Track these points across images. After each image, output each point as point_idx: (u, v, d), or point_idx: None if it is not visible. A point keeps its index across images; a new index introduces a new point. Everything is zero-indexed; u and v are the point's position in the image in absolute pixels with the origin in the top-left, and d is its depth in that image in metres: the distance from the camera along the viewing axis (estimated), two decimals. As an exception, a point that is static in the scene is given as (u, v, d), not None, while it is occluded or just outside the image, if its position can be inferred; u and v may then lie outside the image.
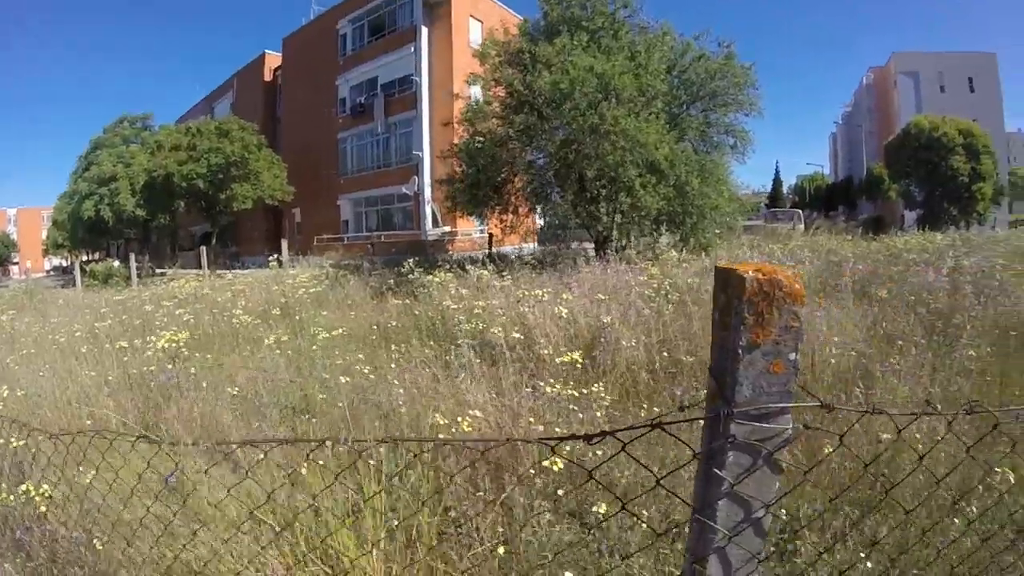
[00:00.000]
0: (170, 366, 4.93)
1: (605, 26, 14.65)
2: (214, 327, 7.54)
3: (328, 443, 1.73)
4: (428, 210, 27.02)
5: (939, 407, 1.40)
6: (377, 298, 9.83)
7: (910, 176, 33.38)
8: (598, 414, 3.47)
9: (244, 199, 29.50)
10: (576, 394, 3.55)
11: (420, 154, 27.33)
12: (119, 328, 7.56)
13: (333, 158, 32.91)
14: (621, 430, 1.26)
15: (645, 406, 3.98)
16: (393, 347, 5.58)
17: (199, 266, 23.57)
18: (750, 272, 1.15)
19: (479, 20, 28.14)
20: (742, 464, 1.19)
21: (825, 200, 54.20)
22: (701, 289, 6.73)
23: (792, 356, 1.18)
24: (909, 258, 9.65)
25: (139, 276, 23.40)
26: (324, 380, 4.46)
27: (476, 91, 16.80)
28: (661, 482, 1.33)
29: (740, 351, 1.15)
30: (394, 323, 7.05)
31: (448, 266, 10.91)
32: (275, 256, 20.77)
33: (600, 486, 2.44)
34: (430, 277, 8.41)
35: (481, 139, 14.75)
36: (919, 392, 3.90)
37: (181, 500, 2.48)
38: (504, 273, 8.78)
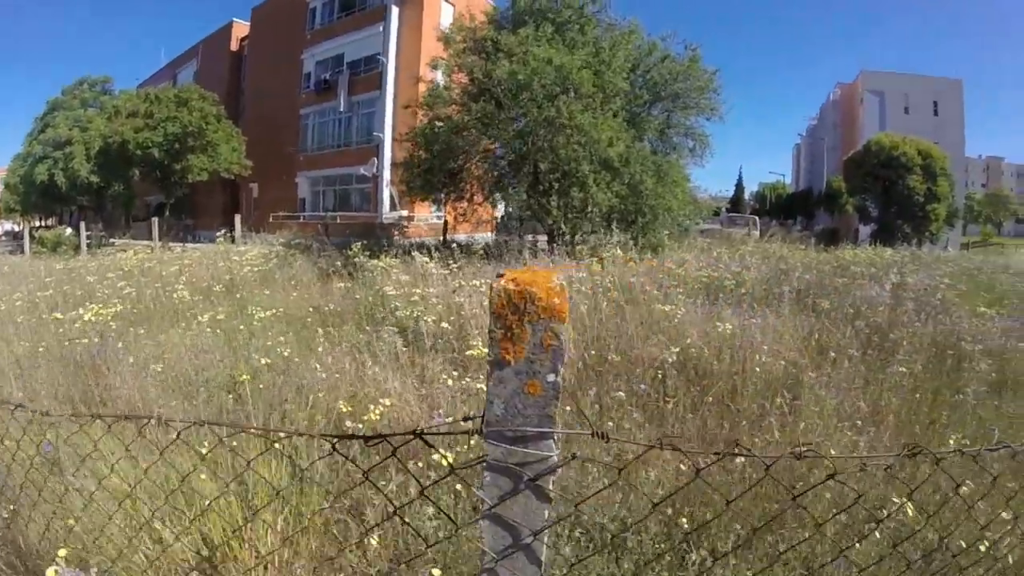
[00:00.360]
0: (97, 340, 4.88)
1: (571, 20, 14.57)
2: (155, 302, 7.45)
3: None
4: (386, 193, 26.58)
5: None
6: (323, 280, 9.80)
7: (867, 191, 34.12)
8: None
9: (200, 171, 28.66)
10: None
11: (381, 136, 26.86)
12: (59, 298, 7.47)
13: (294, 134, 32.20)
14: (391, 435, 1.17)
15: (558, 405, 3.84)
16: (330, 330, 5.57)
17: (152, 237, 22.89)
18: (502, 282, 1.04)
19: (451, 3, 27.71)
20: (501, 487, 1.09)
21: (785, 208, 55.13)
22: (638, 288, 6.68)
23: (551, 378, 1.06)
24: (856, 271, 9.82)
25: (89, 245, 22.65)
26: (251, 360, 4.41)
27: (440, 76, 16.53)
28: (425, 492, 1.20)
29: (490, 366, 1.06)
30: (333, 306, 7.01)
31: (396, 251, 10.82)
32: (226, 231, 20.48)
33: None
34: (375, 262, 8.48)
35: (439, 124, 14.51)
36: (847, 405, 3.88)
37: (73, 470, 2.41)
38: (450, 261, 8.69)
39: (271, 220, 27.81)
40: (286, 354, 4.52)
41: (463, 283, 6.79)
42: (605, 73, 13.43)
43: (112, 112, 31.66)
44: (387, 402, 3.38)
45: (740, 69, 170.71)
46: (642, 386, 4.00)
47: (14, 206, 45.03)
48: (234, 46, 39.35)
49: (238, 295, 7.83)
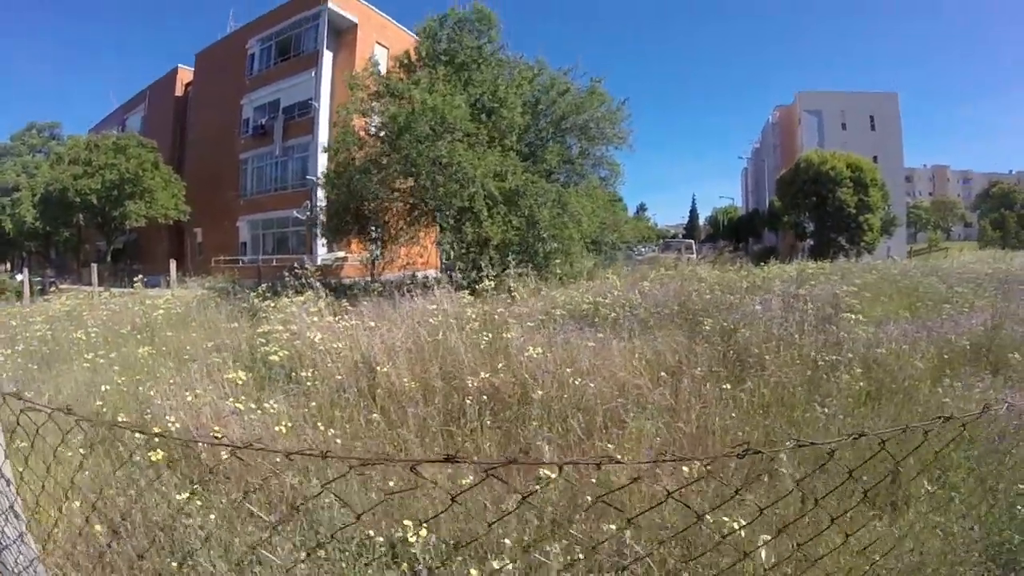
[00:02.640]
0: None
1: (468, 61, 15.05)
2: (59, 344, 7.67)
3: None
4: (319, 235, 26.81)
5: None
6: (232, 320, 9.97)
7: (799, 208, 34.95)
8: (279, 428, 3.98)
9: (138, 216, 28.87)
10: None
11: (314, 179, 27.13)
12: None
13: (235, 179, 32.49)
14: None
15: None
16: (193, 364, 5.74)
17: (92, 282, 22.82)
18: None
19: (385, 47, 28.28)
20: None
21: (734, 231, 56.34)
22: (488, 317, 7.24)
23: None
24: (758, 285, 10.15)
25: (32, 291, 22.52)
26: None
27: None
28: None
29: None
30: (219, 341, 7.30)
31: (303, 292, 11.12)
32: (165, 276, 20.58)
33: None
34: (268, 303, 8.84)
35: (342, 169, 14.89)
36: (660, 426, 4.03)
37: None
38: (320, 302, 8.97)
39: (212, 264, 27.91)
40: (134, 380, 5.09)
41: (316, 320, 7.13)
42: (500, 110, 13.98)
43: (55, 159, 31.84)
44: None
45: (689, 98, 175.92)
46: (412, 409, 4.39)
47: (-37, 251, 44.53)
48: (179, 91, 39.65)
49: (137, 336, 8.03)
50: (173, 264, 24.49)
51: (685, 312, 7.83)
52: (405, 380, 5.11)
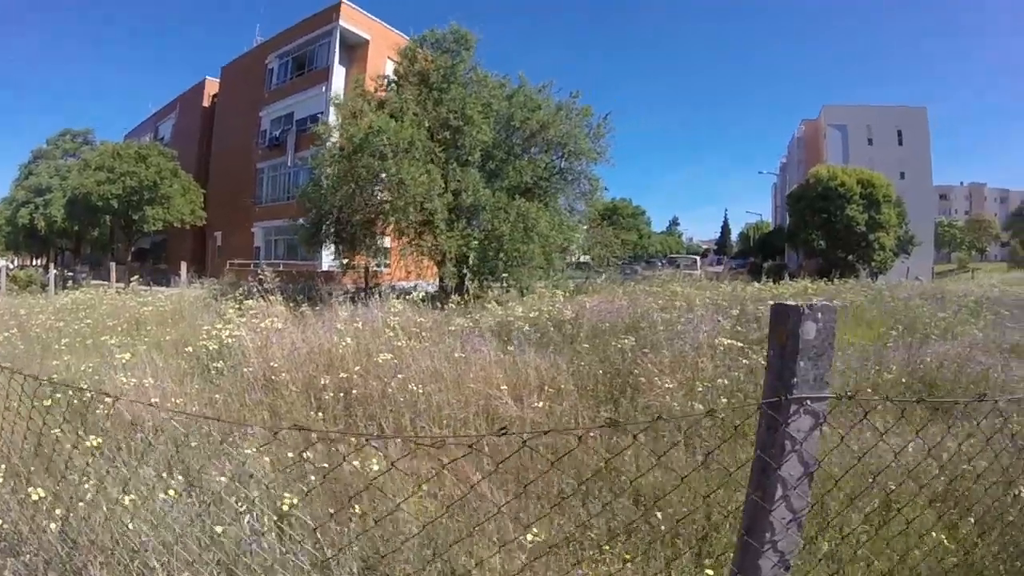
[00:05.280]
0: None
1: (439, 81, 15.72)
2: (52, 332, 8.50)
3: None
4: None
5: None
6: (210, 319, 10.82)
7: (807, 225, 34.30)
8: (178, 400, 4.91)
9: (155, 221, 30.42)
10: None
11: (317, 189, 28.31)
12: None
13: (252, 186, 33.87)
14: None
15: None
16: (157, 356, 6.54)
17: (110, 279, 24.23)
18: None
19: (397, 62, 29.20)
20: None
21: (760, 247, 55.73)
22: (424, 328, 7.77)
23: None
24: (719, 304, 10.36)
25: (57, 285, 23.95)
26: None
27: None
28: None
29: None
30: (178, 336, 8.20)
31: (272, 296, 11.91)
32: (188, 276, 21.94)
33: None
34: (246, 303, 9.48)
35: (316, 185, 15.70)
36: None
37: None
38: (318, 306, 9.87)
39: (228, 267, 29.14)
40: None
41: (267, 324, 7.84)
42: (464, 128, 14.62)
43: (83, 164, 33.75)
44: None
45: (727, 114, 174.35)
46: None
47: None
48: (207, 102, 41.40)
49: (121, 328, 8.96)
50: (184, 266, 25.84)
51: (600, 330, 8.05)
52: (284, 375, 5.78)
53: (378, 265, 18.56)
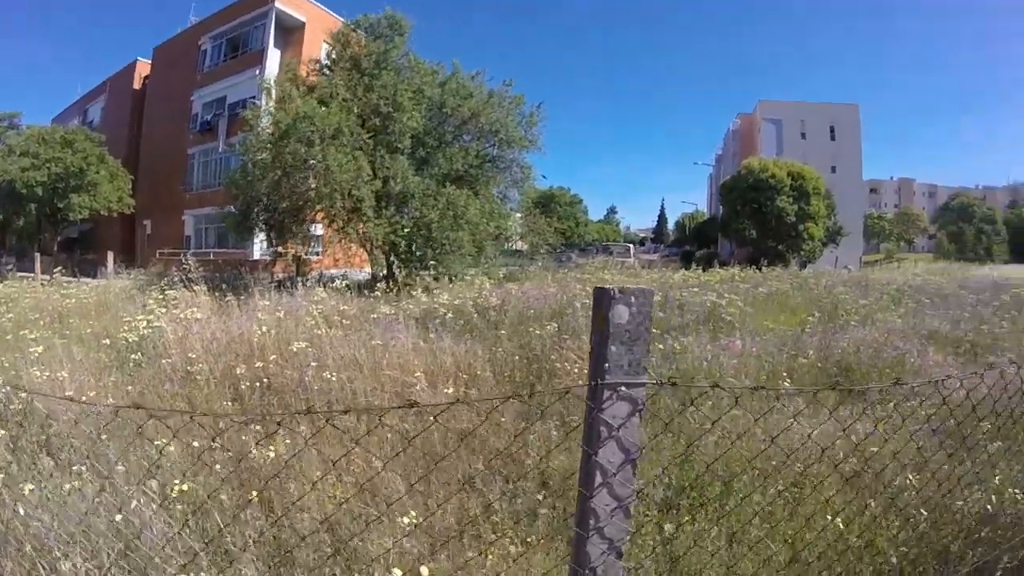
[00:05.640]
0: None
1: (370, 66, 15.61)
2: None
3: None
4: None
5: None
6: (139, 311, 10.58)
7: (738, 215, 35.44)
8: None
9: (80, 209, 29.15)
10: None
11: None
12: None
13: (183, 173, 32.83)
14: None
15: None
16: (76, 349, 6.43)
17: (60, 270, 23.14)
18: None
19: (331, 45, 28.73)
20: None
21: (695, 236, 57.15)
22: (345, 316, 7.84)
23: None
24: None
25: None
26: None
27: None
28: None
29: None
30: (100, 327, 8.01)
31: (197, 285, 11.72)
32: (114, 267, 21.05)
33: None
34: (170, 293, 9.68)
35: (244, 171, 15.41)
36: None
37: None
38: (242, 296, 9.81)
39: (157, 256, 28.23)
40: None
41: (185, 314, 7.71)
42: (394, 115, 14.57)
43: (7, 150, 32.02)
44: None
45: (665, 103, 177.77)
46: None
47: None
48: (137, 84, 39.75)
49: (43, 322, 8.62)
50: (111, 256, 24.91)
51: (525, 317, 8.24)
52: (202, 365, 5.75)
53: (309, 253, 18.31)
